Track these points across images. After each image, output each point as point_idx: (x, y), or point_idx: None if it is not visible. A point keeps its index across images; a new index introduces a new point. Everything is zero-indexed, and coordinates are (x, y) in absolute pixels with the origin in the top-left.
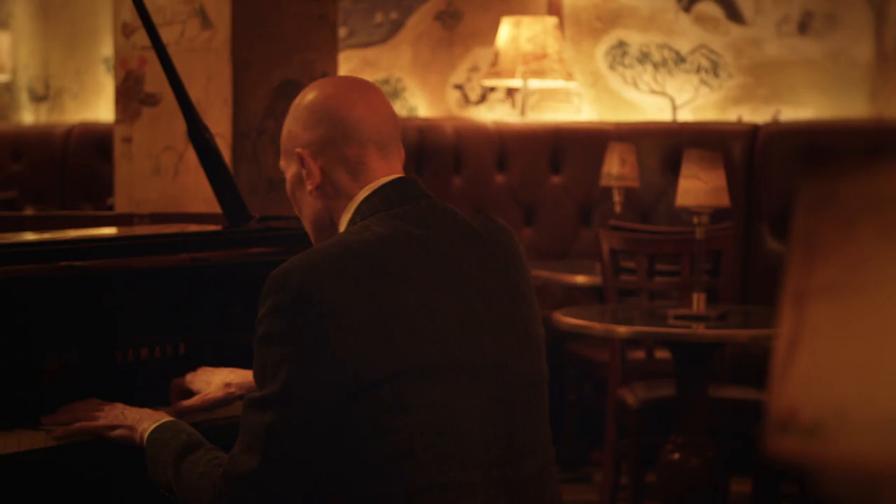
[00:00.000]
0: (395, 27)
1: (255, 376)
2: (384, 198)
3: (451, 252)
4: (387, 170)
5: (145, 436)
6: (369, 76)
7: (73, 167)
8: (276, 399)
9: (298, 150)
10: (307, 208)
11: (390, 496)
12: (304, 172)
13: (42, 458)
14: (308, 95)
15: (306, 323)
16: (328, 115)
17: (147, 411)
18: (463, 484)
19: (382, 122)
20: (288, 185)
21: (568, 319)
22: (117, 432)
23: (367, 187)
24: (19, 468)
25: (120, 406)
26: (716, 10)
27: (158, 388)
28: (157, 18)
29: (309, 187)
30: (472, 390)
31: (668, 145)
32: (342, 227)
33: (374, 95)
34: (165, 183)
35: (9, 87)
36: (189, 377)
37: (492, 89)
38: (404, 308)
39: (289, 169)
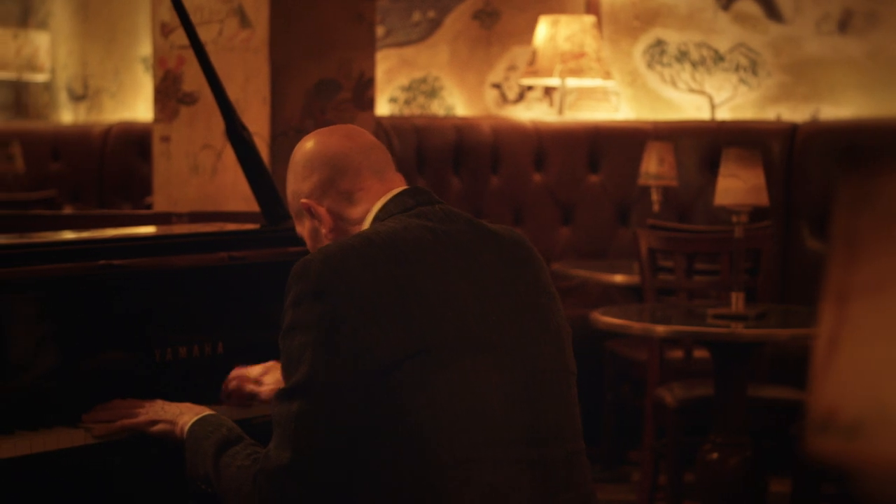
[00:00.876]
0: (433, 26)
1: (283, 369)
2: (398, 203)
3: (468, 245)
4: (388, 188)
5: (186, 428)
6: (407, 75)
7: (111, 166)
8: (301, 388)
9: (303, 201)
10: None
11: (415, 474)
12: (315, 222)
13: (82, 456)
14: (297, 153)
15: (325, 309)
16: (319, 160)
17: (187, 405)
18: (486, 460)
19: (371, 151)
20: (309, 243)
21: (606, 319)
22: (158, 427)
23: (377, 204)
24: (60, 466)
25: (160, 402)
26: (755, 9)
27: (197, 387)
28: (195, 17)
29: (324, 231)
30: (493, 369)
31: (707, 144)
32: None
33: (356, 133)
34: (203, 182)
35: (48, 87)
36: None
37: (530, 88)
38: (421, 290)
39: (304, 226)
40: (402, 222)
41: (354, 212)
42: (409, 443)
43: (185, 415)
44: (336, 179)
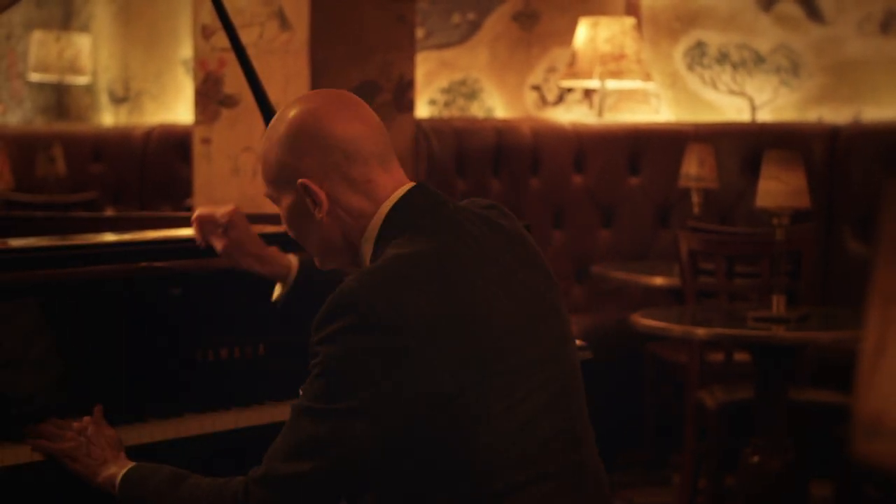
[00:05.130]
0: (473, 28)
1: (314, 393)
2: (411, 209)
3: (491, 251)
4: (394, 182)
5: (117, 479)
6: (447, 77)
7: (152, 168)
8: (343, 414)
9: (301, 181)
10: (315, 235)
11: (473, 500)
12: (309, 202)
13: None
14: (291, 118)
15: (382, 342)
16: (322, 138)
17: (111, 451)
18: (538, 478)
19: (379, 135)
20: (285, 215)
21: (646, 321)
22: (76, 466)
23: (386, 203)
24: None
25: (93, 428)
26: (796, 10)
27: (238, 388)
28: (236, 20)
29: (318, 216)
30: (542, 385)
31: (748, 146)
32: (366, 247)
33: (362, 109)
34: (244, 183)
35: (89, 89)
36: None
37: (569, 90)
38: (473, 314)
39: (283, 199)
40: (429, 237)
41: (357, 202)
42: (467, 471)
43: (110, 465)
44: (343, 165)
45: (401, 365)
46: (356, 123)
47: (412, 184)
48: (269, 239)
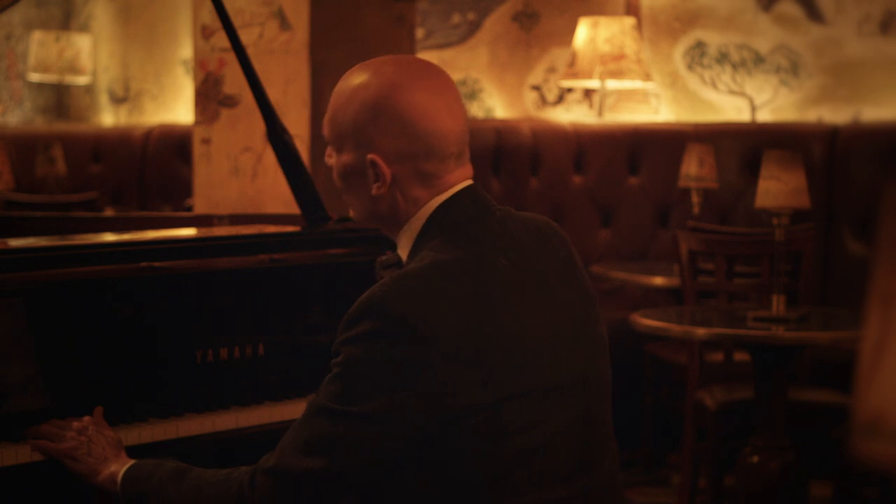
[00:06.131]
0: (473, 28)
1: (332, 392)
2: (457, 211)
3: (532, 267)
4: (459, 177)
5: (119, 476)
6: None
7: (152, 168)
8: (359, 417)
9: (373, 156)
10: (363, 200)
11: None
12: (371, 174)
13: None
14: (386, 92)
15: (408, 351)
16: (412, 129)
17: (111, 449)
18: (549, 499)
19: (464, 130)
20: (339, 170)
21: (646, 321)
22: (76, 466)
23: (439, 197)
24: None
25: (91, 429)
26: (796, 10)
27: (238, 388)
28: (235, 20)
29: (374, 191)
30: (563, 408)
31: (747, 146)
32: (406, 236)
33: (454, 98)
34: (244, 184)
35: (89, 90)
36: None
37: (569, 90)
38: (501, 333)
39: (342, 155)
40: (471, 245)
41: (418, 192)
42: (473, 490)
43: (111, 464)
44: (420, 158)
45: (421, 377)
46: (448, 119)
47: (468, 183)
48: (268, 240)
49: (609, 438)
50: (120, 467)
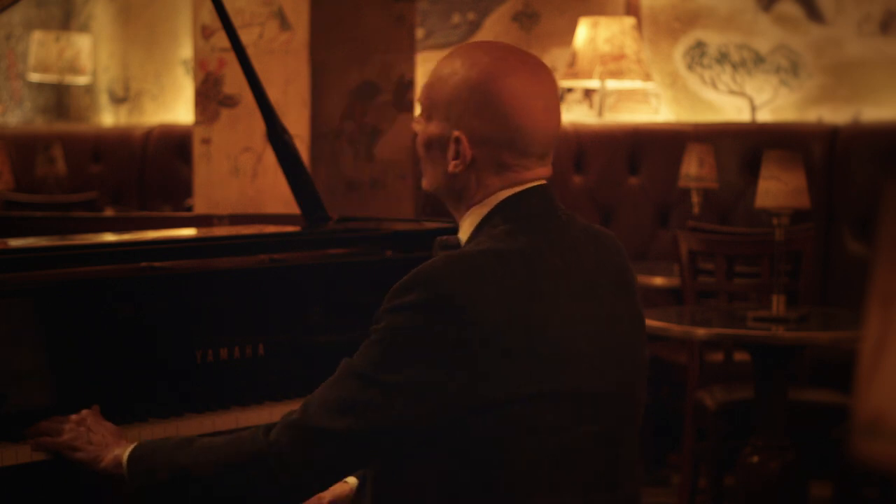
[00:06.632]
0: (473, 28)
1: (368, 357)
2: (523, 205)
3: (587, 274)
4: (536, 175)
5: (124, 457)
6: None
7: (152, 168)
8: (390, 387)
9: (457, 133)
10: (437, 173)
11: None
12: (452, 150)
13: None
14: (484, 68)
15: (451, 329)
16: (503, 117)
17: (111, 436)
18: None
19: (552, 134)
20: (423, 138)
21: (646, 321)
22: (78, 455)
23: (510, 189)
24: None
25: (91, 419)
26: (796, 10)
27: (238, 388)
28: (235, 20)
29: (451, 168)
30: (593, 418)
31: (747, 146)
32: (470, 219)
33: (553, 100)
34: (244, 184)
35: (89, 90)
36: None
37: (569, 90)
38: (546, 331)
39: (430, 125)
40: (532, 238)
41: (490, 179)
42: (492, 483)
43: (113, 448)
44: (504, 149)
45: (459, 358)
46: (541, 119)
47: (542, 182)
48: (272, 241)
49: (633, 464)
50: (123, 450)
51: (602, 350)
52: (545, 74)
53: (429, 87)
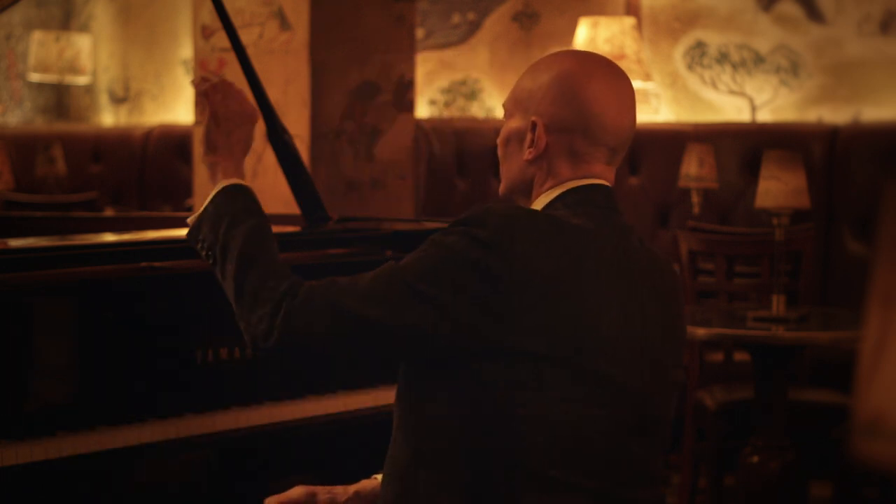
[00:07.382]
0: (473, 28)
1: (411, 264)
2: (587, 198)
3: (635, 275)
4: (603, 172)
5: (215, 189)
6: (446, 78)
7: (152, 168)
8: (421, 295)
9: (535, 118)
10: (512, 167)
11: (494, 461)
12: (528, 137)
13: (129, 456)
14: (568, 66)
15: (497, 268)
16: (579, 104)
17: (237, 153)
18: (567, 484)
19: (627, 130)
20: (504, 135)
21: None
22: (209, 158)
23: (578, 180)
24: (104, 466)
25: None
26: (796, 10)
27: (238, 388)
28: (235, 20)
29: (526, 155)
30: (602, 404)
31: (747, 146)
32: (537, 204)
33: (629, 98)
34: None
35: (89, 90)
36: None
37: None
38: (580, 305)
39: (513, 120)
40: (591, 224)
41: (561, 168)
42: (498, 439)
43: (229, 166)
44: (576, 134)
45: (490, 295)
46: (616, 113)
47: (607, 182)
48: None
49: (657, 472)
50: (229, 180)
51: (628, 347)
52: (626, 80)
53: (514, 88)
